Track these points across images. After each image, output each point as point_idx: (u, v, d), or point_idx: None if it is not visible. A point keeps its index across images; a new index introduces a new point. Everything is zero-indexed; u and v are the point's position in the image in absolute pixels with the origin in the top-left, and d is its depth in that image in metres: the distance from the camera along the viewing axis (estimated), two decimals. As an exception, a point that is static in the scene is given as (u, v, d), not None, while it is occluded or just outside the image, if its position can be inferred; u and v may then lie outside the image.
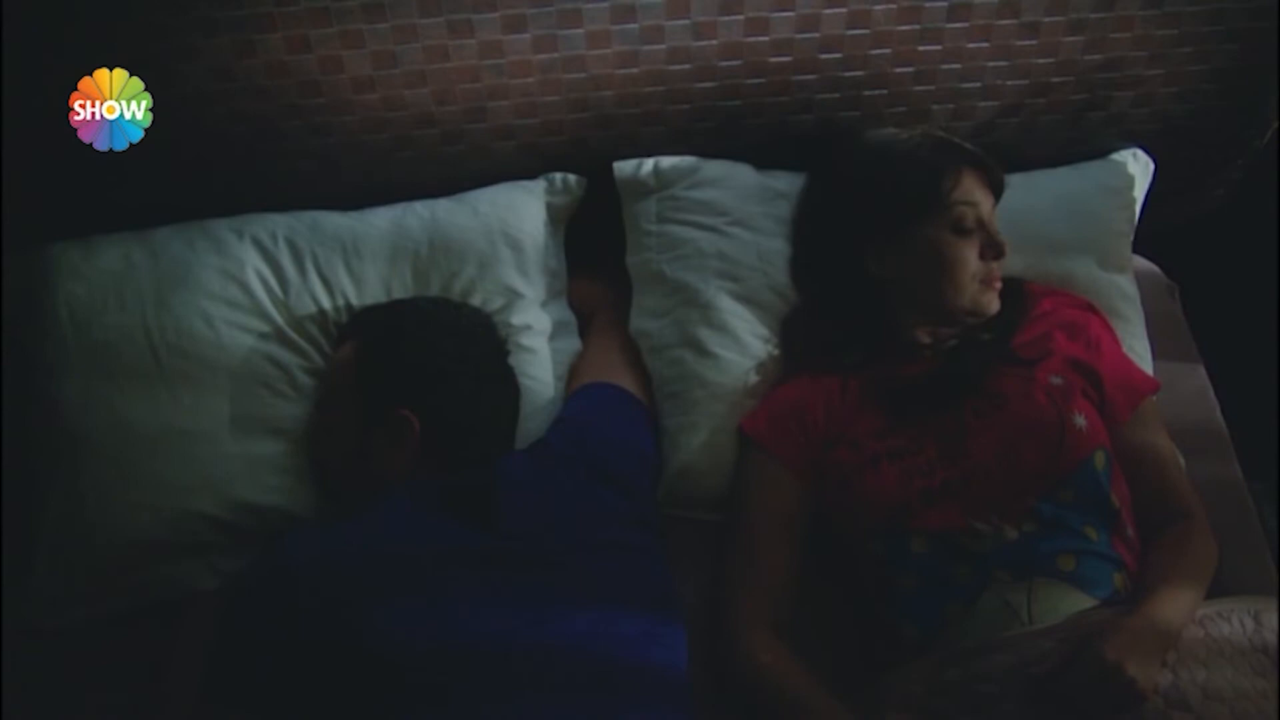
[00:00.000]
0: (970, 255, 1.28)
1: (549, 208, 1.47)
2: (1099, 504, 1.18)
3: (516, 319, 1.41)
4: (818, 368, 1.33)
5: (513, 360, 1.36)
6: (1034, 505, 1.16)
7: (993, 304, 1.30)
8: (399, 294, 1.40)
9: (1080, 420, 1.20)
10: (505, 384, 1.33)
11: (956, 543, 1.16)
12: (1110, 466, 1.21)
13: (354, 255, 1.40)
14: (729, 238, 1.43)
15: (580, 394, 1.37)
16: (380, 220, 1.44)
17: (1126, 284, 1.47)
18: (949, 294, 1.28)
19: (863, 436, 1.25)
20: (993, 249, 1.28)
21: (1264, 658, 1.07)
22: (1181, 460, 1.31)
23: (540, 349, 1.42)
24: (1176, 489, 1.25)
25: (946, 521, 1.17)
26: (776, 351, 1.39)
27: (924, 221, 1.28)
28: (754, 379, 1.37)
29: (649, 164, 1.47)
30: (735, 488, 1.33)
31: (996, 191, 1.33)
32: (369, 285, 1.40)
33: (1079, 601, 1.13)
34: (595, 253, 1.52)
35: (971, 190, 1.29)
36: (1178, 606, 1.10)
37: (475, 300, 1.40)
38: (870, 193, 1.32)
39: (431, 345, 1.25)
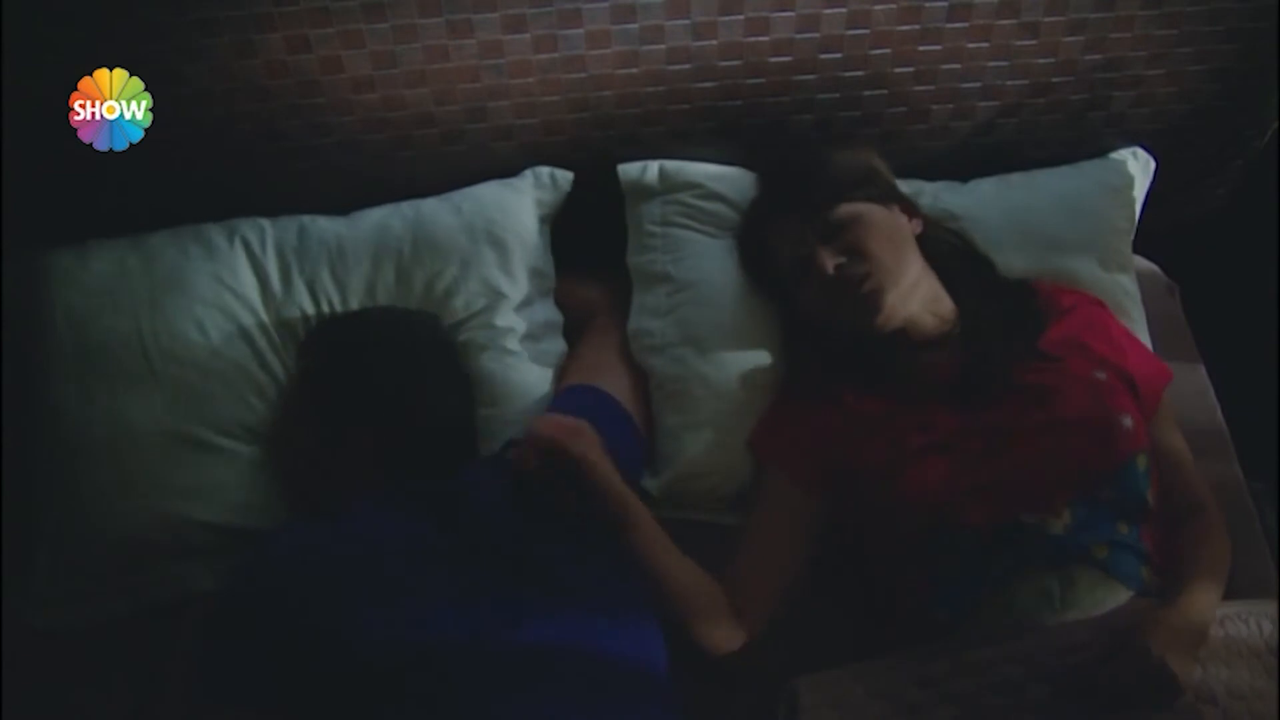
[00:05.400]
0: (812, 292, 1.28)
1: (535, 204, 1.45)
2: (1137, 503, 1.19)
3: (501, 320, 1.39)
4: (817, 389, 1.33)
5: (497, 362, 1.36)
6: (1076, 501, 1.16)
7: (884, 315, 1.25)
8: (382, 297, 1.40)
9: (1128, 421, 1.20)
10: (455, 387, 1.32)
11: (1001, 535, 1.16)
12: (1150, 469, 1.22)
13: (339, 258, 1.40)
14: (732, 245, 1.43)
15: (566, 395, 1.36)
16: (368, 222, 1.43)
17: (1128, 283, 1.47)
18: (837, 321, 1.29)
19: (905, 431, 1.23)
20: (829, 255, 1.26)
21: (1274, 660, 1.08)
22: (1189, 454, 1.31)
23: (525, 351, 1.40)
24: (1192, 482, 1.26)
25: (991, 515, 1.16)
26: (779, 351, 1.39)
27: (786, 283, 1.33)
28: (757, 377, 1.37)
29: (654, 167, 1.47)
30: (749, 500, 1.33)
31: (826, 191, 1.30)
32: (354, 288, 1.39)
33: (1111, 589, 1.14)
34: (595, 253, 1.51)
35: (788, 229, 1.30)
36: (1208, 601, 1.13)
37: (459, 301, 1.39)
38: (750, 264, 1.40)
39: (378, 363, 1.25)
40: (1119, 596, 1.14)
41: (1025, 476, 1.17)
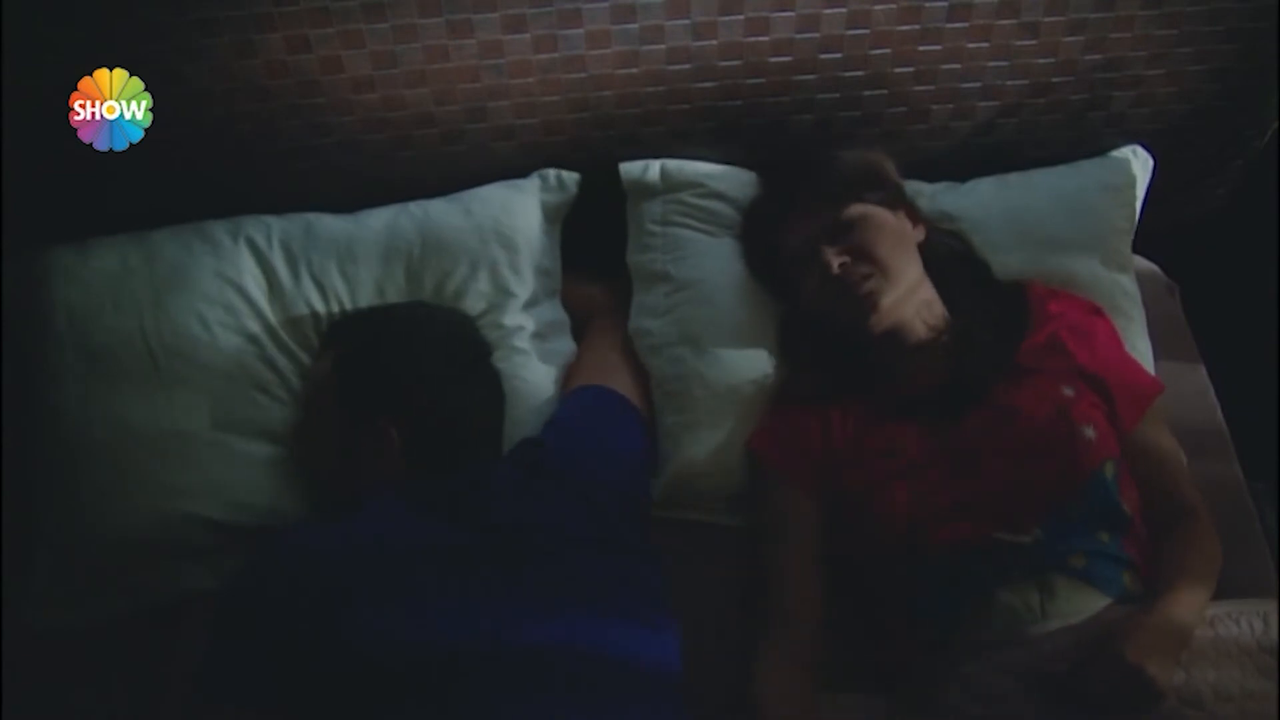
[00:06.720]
0: (813, 286, 1.29)
1: (543, 205, 1.46)
2: (1110, 511, 1.19)
3: (509, 320, 1.40)
4: (813, 395, 1.33)
5: (505, 361, 1.35)
6: (1046, 516, 1.17)
7: (879, 315, 1.26)
8: (392, 296, 1.40)
9: (1090, 432, 1.20)
10: (487, 386, 1.31)
11: (973, 553, 1.17)
12: (1119, 473, 1.22)
13: (348, 258, 1.40)
14: (732, 244, 1.43)
15: (575, 396, 1.36)
16: (375, 222, 1.43)
17: (1128, 282, 1.46)
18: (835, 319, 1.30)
19: (872, 456, 1.24)
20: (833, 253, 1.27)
21: (1270, 659, 1.08)
22: (1183, 457, 1.31)
23: (534, 350, 1.40)
24: (1181, 487, 1.26)
25: (961, 535, 1.17)
26: (778, 352, 1.39)
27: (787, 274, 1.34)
28: (755, 377, 1.37)
29: (656, 166, 1.47)
30: (757, 516, 1.33)
31: (839, 190, 1.31)
32: (363, 288, 1.39)
33: (1091, 597, 1.14)
34: (596, 254, 1.51)
35: (799, 224, 1.30)
36: (1191, 605, 1.12)
37: (468, 301, 1.39)
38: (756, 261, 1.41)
39: (408, 356, 1.24)
40: (1099, 603, 1.14)
41: (990, 498, 1.18)
